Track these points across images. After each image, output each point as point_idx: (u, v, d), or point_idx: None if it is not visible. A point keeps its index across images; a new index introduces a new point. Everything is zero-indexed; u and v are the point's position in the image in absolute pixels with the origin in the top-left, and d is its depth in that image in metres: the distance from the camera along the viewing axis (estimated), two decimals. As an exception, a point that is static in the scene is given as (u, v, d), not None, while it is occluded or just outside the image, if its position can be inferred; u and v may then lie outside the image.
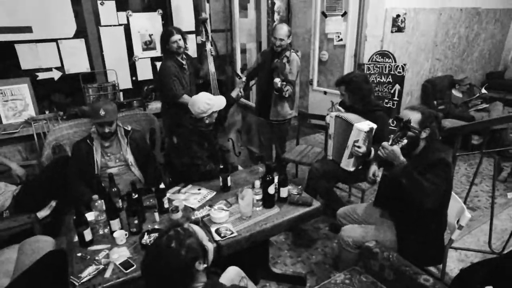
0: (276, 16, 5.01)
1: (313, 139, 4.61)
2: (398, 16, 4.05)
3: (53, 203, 2.43)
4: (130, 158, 2.32)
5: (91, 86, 3.60)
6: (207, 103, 2.32)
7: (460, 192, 3.47)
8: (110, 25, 3.71)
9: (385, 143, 1.81)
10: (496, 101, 4.64)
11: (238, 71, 3.13)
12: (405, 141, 1.76)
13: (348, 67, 4.22)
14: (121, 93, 3.82)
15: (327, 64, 4.55)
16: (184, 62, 3.11)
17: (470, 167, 4.12)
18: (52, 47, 3.45)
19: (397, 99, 4.00)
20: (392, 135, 1.80)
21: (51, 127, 3.12)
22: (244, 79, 3.07)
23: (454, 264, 2.41)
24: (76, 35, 3.54)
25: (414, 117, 1.82)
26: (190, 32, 4.42)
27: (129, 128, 2.41)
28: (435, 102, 4.65)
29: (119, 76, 3.77)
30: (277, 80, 2.96)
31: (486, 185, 3.70)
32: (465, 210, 1.88)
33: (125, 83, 3.89)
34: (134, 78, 3.96)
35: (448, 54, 4.97)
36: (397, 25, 4.08)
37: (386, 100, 4.05)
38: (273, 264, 2.48)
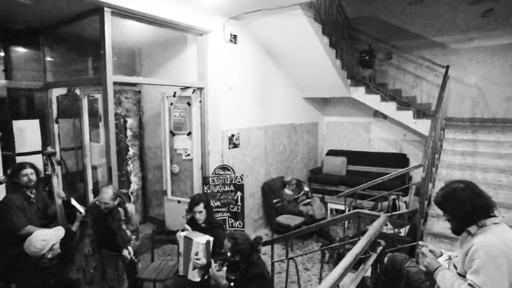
0: (129, 133, 5.39)
1: (172, 247, 4.77)
2: (233, 135, 4.98)
3: None
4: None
5: None
6: (42, 239, 2.33)
7: (300, 277, 4.10)
8: None
9: (213, 267, 2.24)
10: (315, 197, 5.86)
11: (77, 205, 3.17)
12: (225, 268, 2.23)
13: (197, 179, 4.78)
14: None
15: (178, 175, 5.03)
16: (32, 196, 3.00)
17: (306, 255, 4.91)
18: None
19: (240, 203, 4.71)
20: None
21: None
22: (84, 213, 3.11)
23: None
24: None
25: (227, 245, 2.33)
26: (36, 152, 4.34)
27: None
28: (274, 201, 5.57)
29: None
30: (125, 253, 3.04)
31: (316, 268, 4.50)
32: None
33: None
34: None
35: (278, 159, 6.19)
36: (233, 142, 4.99)
37: (232, 206, 4.69)
38: None
